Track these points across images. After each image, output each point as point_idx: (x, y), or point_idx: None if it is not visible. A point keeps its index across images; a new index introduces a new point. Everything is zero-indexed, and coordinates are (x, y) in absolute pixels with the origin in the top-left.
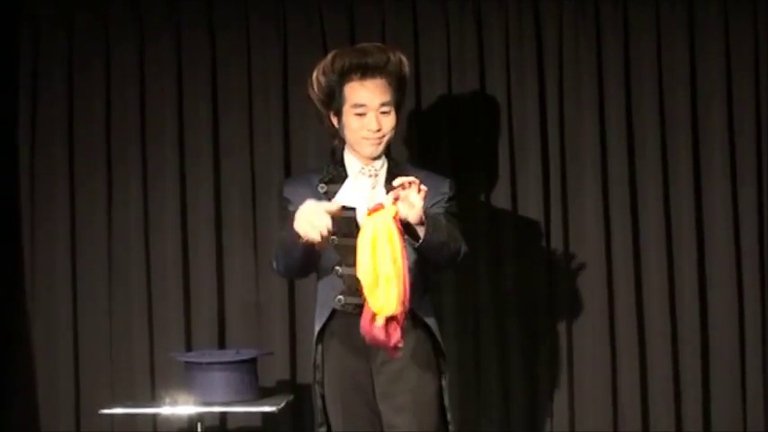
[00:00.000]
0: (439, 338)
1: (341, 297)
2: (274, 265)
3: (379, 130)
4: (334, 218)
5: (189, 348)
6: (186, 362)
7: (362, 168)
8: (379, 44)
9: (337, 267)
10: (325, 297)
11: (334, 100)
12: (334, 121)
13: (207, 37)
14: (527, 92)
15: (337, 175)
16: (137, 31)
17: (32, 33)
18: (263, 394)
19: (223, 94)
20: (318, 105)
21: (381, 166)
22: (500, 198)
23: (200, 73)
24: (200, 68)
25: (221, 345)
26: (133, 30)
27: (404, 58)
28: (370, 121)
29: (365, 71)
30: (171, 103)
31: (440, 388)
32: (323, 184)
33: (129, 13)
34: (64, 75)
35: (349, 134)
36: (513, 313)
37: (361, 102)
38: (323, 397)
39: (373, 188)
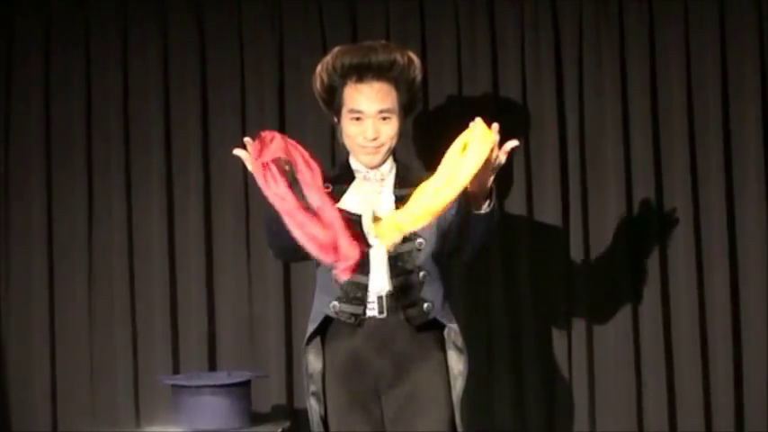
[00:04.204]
0: (460, 344)
1: (335, 303)
2: (272, 253)
3: (375, 139)
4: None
5: (176, 370)
6: (173, 385)
7: (368, 173)
8: (386, 43)
9: (335, 271)
10: (320, 302)
11: (335, 100)
12: (335, 122)
13: (196, 33)
14: (544, 91)
15: (344, 176)
16: (120, 31)
17: (6, 24)
18: (257, 420)
19: (213, 96)
20: (321, 104)
21: (389, 171)
22: (515, 204)
23: (189, 73)
24: (188, 68)
25: (212, 366)
26: (116, 30)
27: (415, 60)
28: (367, 128)
29: (365, 73)
30: (157, 106)
31: (452, 412)
32: (328, 184)
33: (110, 8)
34: (40, 70)
35: (346, 140)
36: (529, 323)
37: (358, 108)
38: (323, 415)
39: (379, 194)
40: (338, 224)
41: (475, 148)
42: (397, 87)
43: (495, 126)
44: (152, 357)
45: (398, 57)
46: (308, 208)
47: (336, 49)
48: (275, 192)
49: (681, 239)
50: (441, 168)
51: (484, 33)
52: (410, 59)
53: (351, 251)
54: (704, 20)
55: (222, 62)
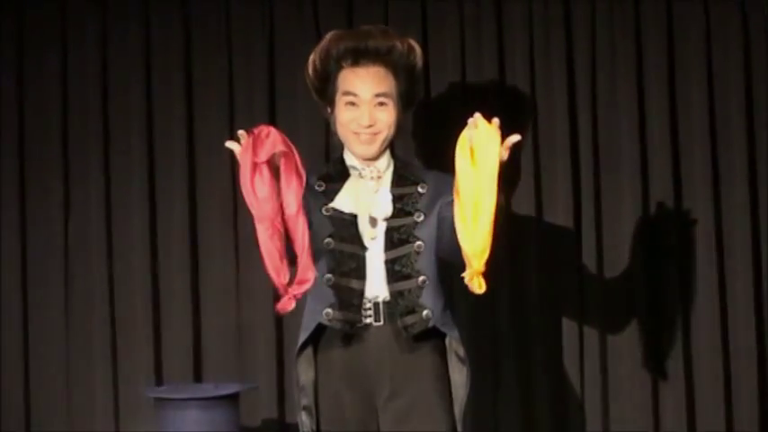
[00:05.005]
0: (462, 353)
1: (329, 311)
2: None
3: (371, 126)
4: (332, 218)
5: (159, 382)
6: (157, 398)
7: (363, 169)
8: (385, 28)
9: (329, 275)
10: (313, 309)
11: (328, 88)
12: (329, 113)
13: (180, 27)
14: (554, 82)
15: (337, 173)
16: (100, 19)
17: None
18: None
19: (199, 92)
20: (313, 94)
21: (386, 168)
22: (523, 203)
23: (173, 66)
24: (171, 62)
25: (197, 377)
26: (95, 18)
27: (415, 47)
28: (362, 114)
29: (361, 57)
30: (138, 102)
31: (454, 427)
32: (321, 182)
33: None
34: (12, 67)
35: (339, 128)
36: (537, 332)
37: (353, 91)
38: (315, 430)
39: (376, 192)
40: (305, 243)
41: (485, 152)
42: (396, 73)
43: (496, 121)
44: (133, 368)
45: (397, 42)
46: (277, 220)
47: (331, 33)
48: (258, 194)
49: (701, 243)
50: (461, 190)
51: (489, 19)
52: (410, 46)
53: (308, 276)
54: (726, 15)
55: (208, 56)
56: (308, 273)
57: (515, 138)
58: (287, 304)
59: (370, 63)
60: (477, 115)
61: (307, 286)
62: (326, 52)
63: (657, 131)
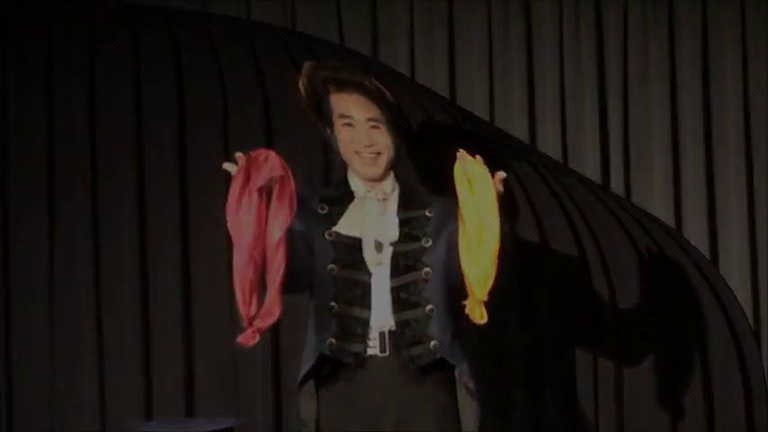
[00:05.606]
0: (471, 386)
1: (332, 340)
2: None
3: (370, 146)
4: (335, 243)
5: (149, 416)
6: None
7: (368, 191)
8: (349, 65)
9: (332, 303)
10: (315, 339)
11: (322, 109)
12: (329, 133)
13: (171, 44)
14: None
15: (341, 195)
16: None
17: None
18: None
19: (192, 120)
20: (311, 114)
21: (392, 190)
22: (532, 228)
23: (164, 84)
24: (162, 77)
25: (189, 411)
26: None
27: (380, 85)
28: (360, 135)
29: (343, 86)
30: (128, 134)
31: None
32: (324, 204)
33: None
34: None
35: (342, 147)
36: (551, 368)
37: (348, 113)
38: None
39: (382, 215)
40: (279, 276)
41: (481, 180)
42: (376, 103)
43: (479, 158)
44: (122, 400)
45: (364, 80)
46: (257, 250)
47: (307, 64)
48: (242, 218)
49: (734, 253)
50: (465, 217)
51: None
52: (376, 84)
53: (273, 310)
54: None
55: (200, 72)
56: (274, 307)
57: (502, 174)
58: (249, 338)
59: (353, 91)
60: (462, 152)
61: (271, 321)
62: (310, 78)
63: (690, 136)
